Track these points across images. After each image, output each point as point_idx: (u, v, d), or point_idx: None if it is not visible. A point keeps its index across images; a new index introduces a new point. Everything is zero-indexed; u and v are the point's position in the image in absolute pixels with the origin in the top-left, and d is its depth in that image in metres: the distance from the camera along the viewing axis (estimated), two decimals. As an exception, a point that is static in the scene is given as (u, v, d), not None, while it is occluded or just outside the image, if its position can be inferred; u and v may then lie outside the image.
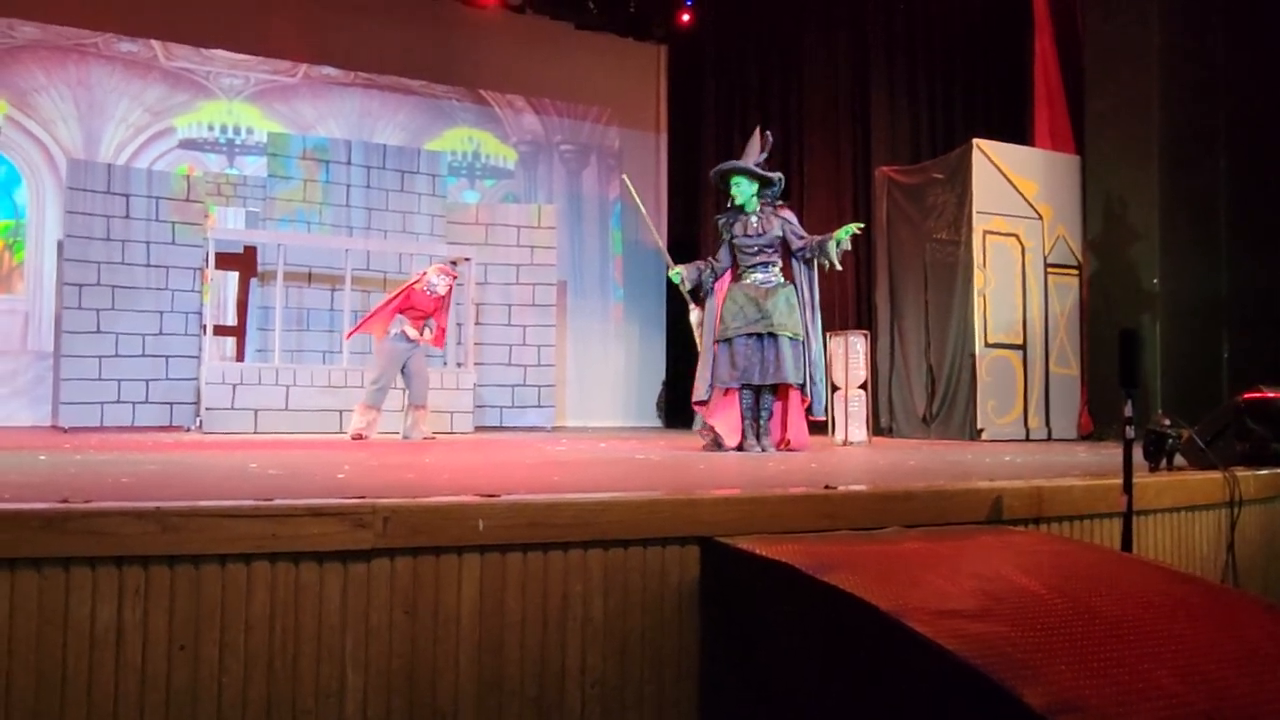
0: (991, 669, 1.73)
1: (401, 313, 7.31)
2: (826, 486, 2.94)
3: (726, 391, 5.73)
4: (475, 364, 9.50)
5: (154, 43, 10.19)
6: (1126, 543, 2.99)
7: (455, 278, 7.89)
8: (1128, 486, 2.99)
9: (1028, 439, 7.85)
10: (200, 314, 8.90)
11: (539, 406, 10.08)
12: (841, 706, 2.15)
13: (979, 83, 9.61)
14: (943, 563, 2.39)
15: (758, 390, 5.68)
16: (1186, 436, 3.87)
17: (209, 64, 10.42)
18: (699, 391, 5.82)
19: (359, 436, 7.09)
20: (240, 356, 9.24)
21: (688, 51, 11.84)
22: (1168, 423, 3.87)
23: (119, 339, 8.61)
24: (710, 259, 5.99)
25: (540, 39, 11.45)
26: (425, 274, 7.39)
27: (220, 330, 9.16)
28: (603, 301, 11.95)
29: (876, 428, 8.11)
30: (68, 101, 9.86)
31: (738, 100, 11.13)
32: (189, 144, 10.34)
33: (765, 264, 5.79)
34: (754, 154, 5.83)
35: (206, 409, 8.22)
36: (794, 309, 5.71)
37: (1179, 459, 3.86)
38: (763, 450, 5.62)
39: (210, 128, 10.46)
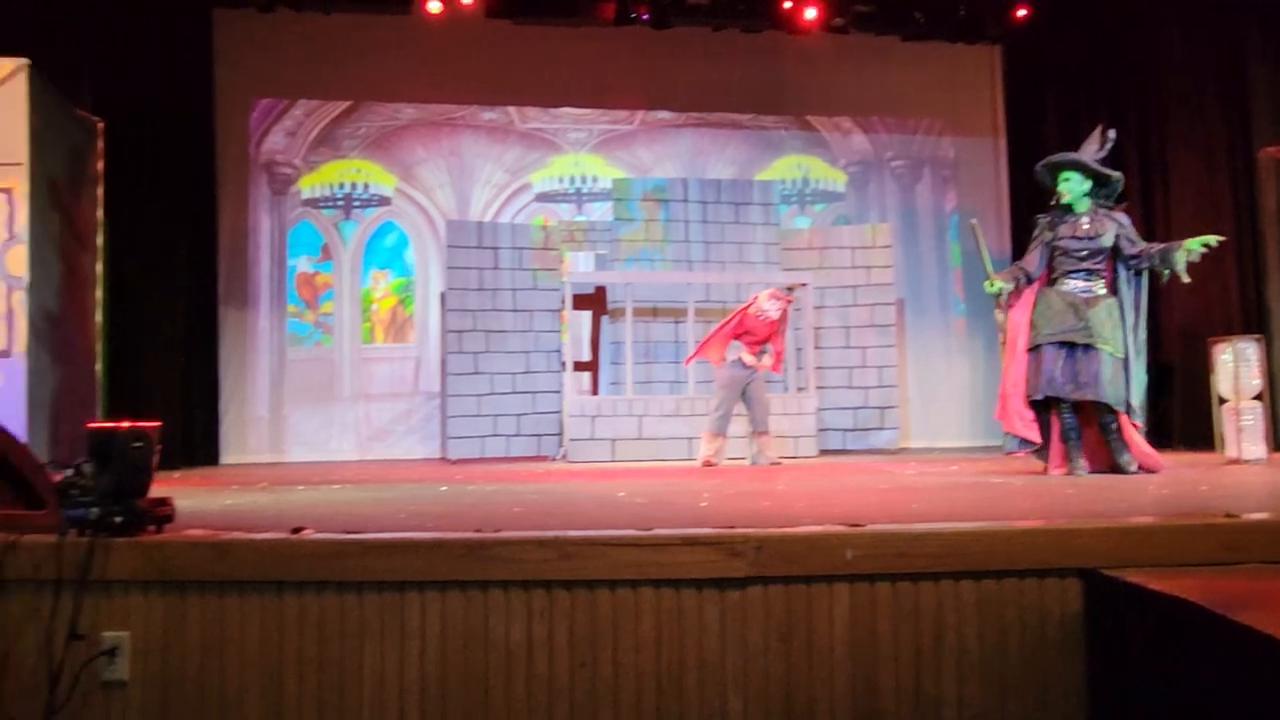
0: None
1: (736, 338, 7.49)
2: (1227, 514, 2.66)
3: (1031, 404, 5.35)
4: (816, 387, 9.54)
5: (510, 109, 11.27)
6: None
7: (790, 302, 7.97)
8: None
9: None
10: (560, 352, 9.69)
11: (882, 428, 9.92)
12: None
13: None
14: (1385, 603, 2.09)
15: (1073, 406, 5.20)
16: None
17: (557, 122, 11.35)
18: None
19: (709, 464, 7.35)
20: (595, 389, 9.94)
21: (1025, 49, 11.18)
22: None
23: (493, 378, 9.58)
24: (1019, 265, 5.49)
25: (865, 57, 11.33)
26: (757, 298, 7.54)
27: (578, 366, 9.94)
28: (943, 317, 11.52)
29: (1277, 443, 7.15)
30: (442, 170, 11.15)
31: (1083, 93, 10.33)
32: (543, 197, 11.30)
33: (1089, 272, 5.24)
34: (1090, 151, 5.36)
35: (571, 440, 8.91)
36: (1117, 325, 5.14)
37: None
38: (1073, 473, 5.16)
39: (560, 180, 11.37)
